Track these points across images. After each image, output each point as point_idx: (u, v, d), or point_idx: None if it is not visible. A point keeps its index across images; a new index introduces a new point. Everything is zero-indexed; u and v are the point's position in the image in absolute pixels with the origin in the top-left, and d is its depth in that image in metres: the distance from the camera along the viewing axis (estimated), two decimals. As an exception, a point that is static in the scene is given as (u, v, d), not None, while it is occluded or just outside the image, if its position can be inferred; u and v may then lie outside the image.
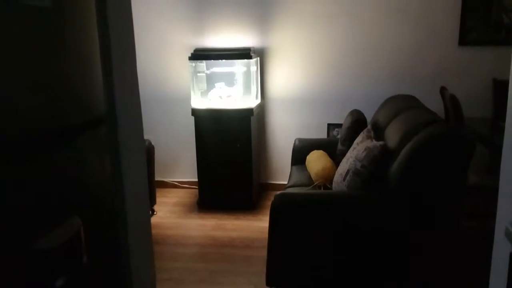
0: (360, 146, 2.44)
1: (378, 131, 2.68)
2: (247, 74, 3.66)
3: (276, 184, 4.07)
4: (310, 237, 2.22)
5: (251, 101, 3.65)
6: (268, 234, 2.24)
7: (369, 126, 2.66)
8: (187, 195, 4.03)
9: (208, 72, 3.72)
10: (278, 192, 2.25)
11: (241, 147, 3.58)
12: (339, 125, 3.85)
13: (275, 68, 3.87)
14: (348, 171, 2.38)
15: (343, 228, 2.19)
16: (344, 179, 2.39)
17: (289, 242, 2.26)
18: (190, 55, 3.58)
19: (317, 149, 3.21)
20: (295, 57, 3.83)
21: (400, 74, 3.70)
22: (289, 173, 3.33)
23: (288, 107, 3.93)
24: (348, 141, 2.87)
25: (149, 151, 3.50)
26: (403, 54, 3.68)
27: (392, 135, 2.44)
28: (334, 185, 2.56)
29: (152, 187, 3.53)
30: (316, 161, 2.92)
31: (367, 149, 2.30)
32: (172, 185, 4.19)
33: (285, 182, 3.75)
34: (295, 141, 3.45)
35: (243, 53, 3.57)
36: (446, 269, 2.22)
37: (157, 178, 4.02)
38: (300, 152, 3.34)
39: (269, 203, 3.94)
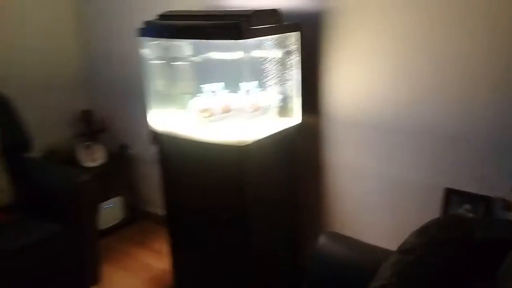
0: None
1: None
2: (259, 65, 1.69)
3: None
4: None
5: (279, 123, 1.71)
6: None
7: None
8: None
9: (196, 59, 1.85)
10: None
11: (235, 220, 1.75)
12: (470, 196, 1.67)
13: (340, 56, 1.80)
14: None
15: None
16: None
17: None
18: (143, 25, 1.74)
19: None
20: (385, 31, 1.68)
21: None
22: None
23: (363, 139, 1.86)
24: None
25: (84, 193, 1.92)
26: None
27: None
28: None
29: (90, 253, 2.00)
30: None
31: None
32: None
33: None
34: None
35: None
36: None
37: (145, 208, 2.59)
38: None
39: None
